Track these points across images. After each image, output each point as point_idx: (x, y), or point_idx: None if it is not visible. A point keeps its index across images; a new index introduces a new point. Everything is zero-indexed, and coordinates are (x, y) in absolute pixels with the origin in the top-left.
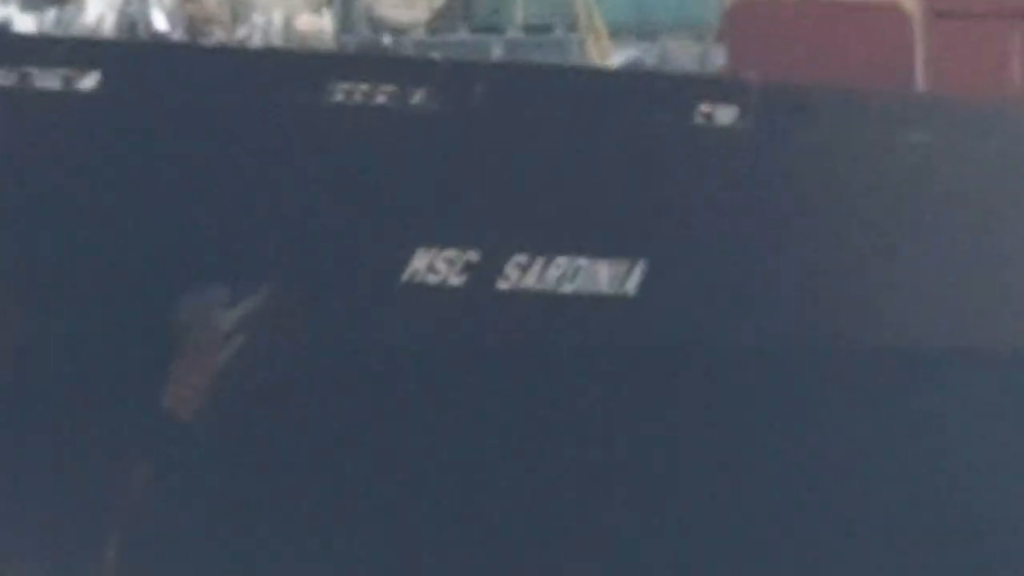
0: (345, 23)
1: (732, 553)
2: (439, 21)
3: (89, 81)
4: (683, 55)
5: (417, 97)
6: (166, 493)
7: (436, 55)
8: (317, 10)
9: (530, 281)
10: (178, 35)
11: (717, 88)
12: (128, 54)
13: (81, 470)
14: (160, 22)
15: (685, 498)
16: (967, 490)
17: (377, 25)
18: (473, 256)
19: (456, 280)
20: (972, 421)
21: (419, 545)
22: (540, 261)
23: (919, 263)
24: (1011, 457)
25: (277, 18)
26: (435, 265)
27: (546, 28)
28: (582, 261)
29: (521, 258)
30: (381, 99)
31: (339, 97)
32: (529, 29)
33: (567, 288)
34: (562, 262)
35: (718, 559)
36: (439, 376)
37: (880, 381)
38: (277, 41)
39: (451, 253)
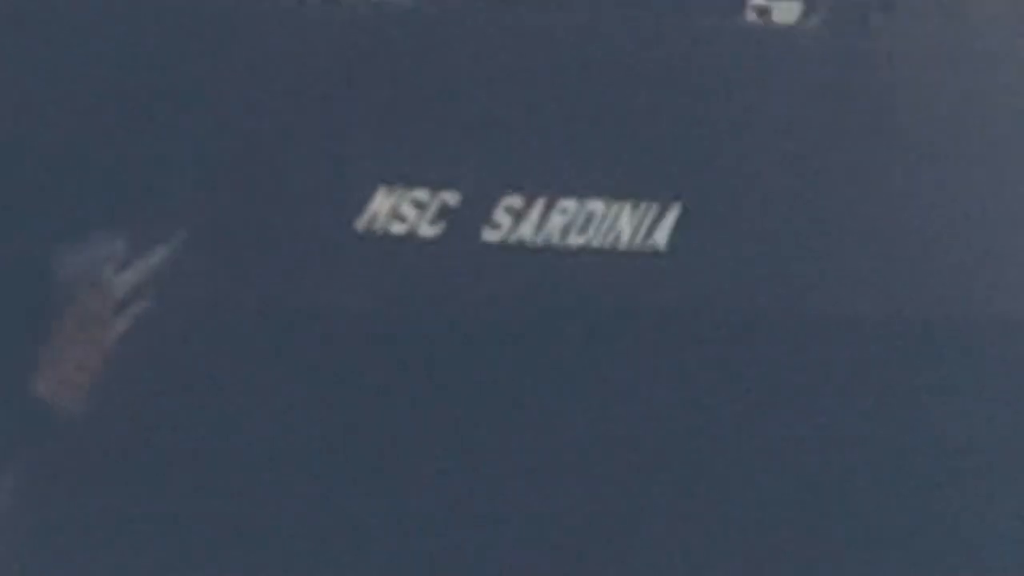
0: None
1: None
2: None
3: None
4: None
5: None
6: (38, 505)
7: None
8: None
9: (527, 231)
10: None
11: None
12: None
13: None
14: None
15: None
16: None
17: None
18: (451, 197)
19: (429, 229)
20: None
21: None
22: (540, 204)
23: None
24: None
25: None
26: (400, 209)
27: None
28: (596, 205)
29: (514, 200)
30: None
31: None
32: None
33: (576, 240)
34: (569, 206)
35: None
36: (404, 354)
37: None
38: None
39: (422, 193)
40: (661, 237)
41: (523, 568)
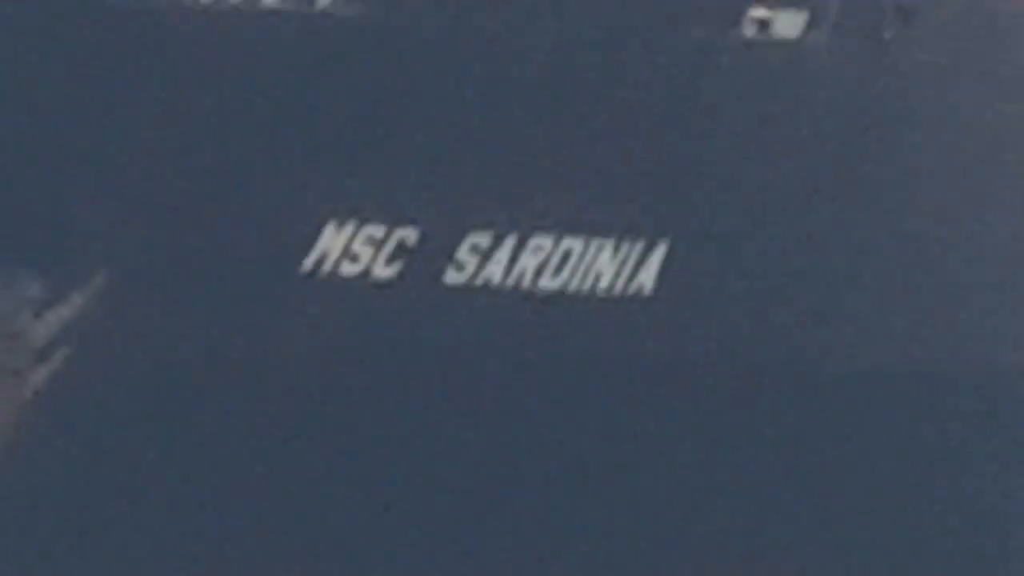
0: None
1: None
2: None
3: None
4: None
5: None
6: None
7: None
8: None
9: (495, 272)
10: None
11: None
12: None
13: None
14: None
15: None
16: None
17: None
18: (408, 235)
19: (384, 270)
20: None
21: None
22: (509, 243)
23: None
24: None
25: None
26: (352, 248)
27: None
28: (573, 243)
29: (480, 238)
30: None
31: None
32: None
33: (551, 284)
34: (542, 244)
35: None
36: (355, 406)
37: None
38: None
39: (376, 229)
40: (647, 278)
41: None
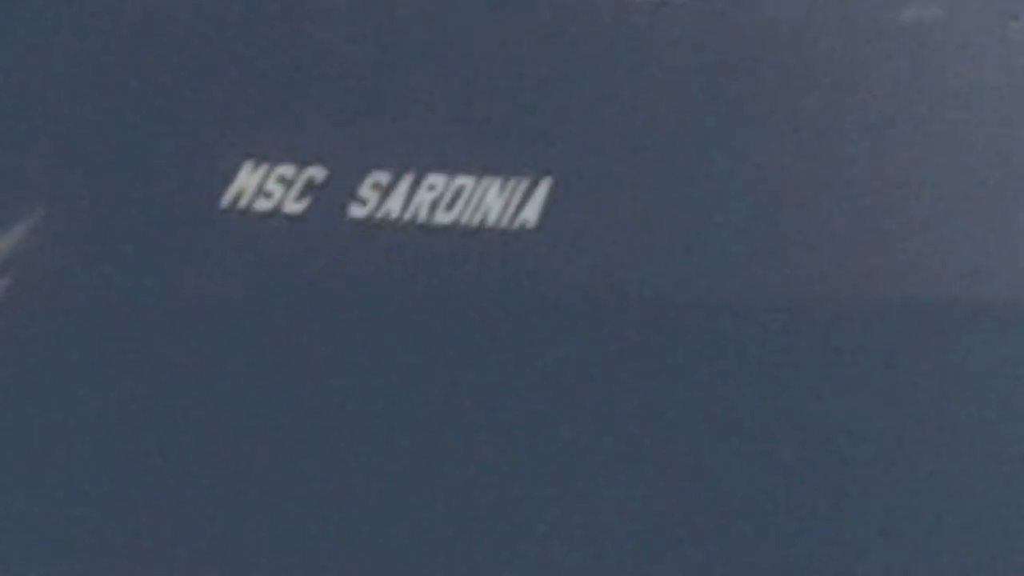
0: None
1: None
2: None
3: None
4: None
5: None
6: None
7: None
8: None
9: (394, 208)
10: None
11: None
12: None
13: None
14: None
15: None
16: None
17: None
18: (316, 173)
19: (295, 205)
20: None
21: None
22: (406, 180)
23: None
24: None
25: None
26: (265, 185)
27: None
28: (464, 180)
29: (380, 176)
30: None
31: None
32: None
33: (442, 219)
34: (437, 181)
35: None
36: (271, 334)
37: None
38: None
39: (287, 169)
40: (532, 213)
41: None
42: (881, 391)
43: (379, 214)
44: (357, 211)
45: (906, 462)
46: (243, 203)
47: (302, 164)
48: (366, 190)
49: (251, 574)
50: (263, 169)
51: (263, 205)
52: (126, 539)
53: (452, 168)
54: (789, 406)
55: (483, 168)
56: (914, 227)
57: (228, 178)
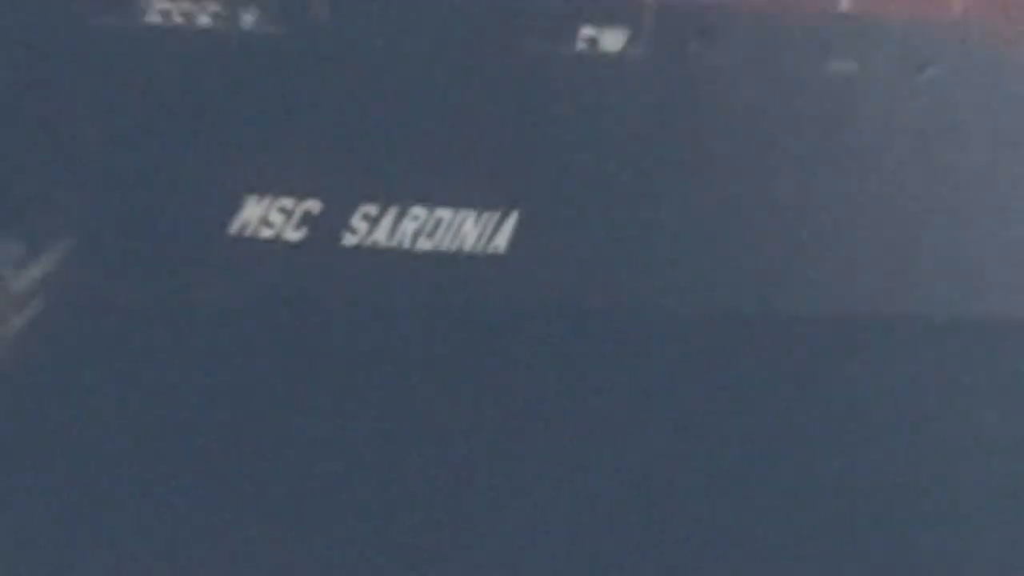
0: None
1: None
2: None
3: None
4: None
5: (248, 15)
6: None
7: None
8: None
9: (381, 236)
10: None
11: (602, 7)
12: None
13: None
14: None
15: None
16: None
17: None
18: (313, 206)
19: (294, 234)
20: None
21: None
22: (392, 212)
23: (846, 215)
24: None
25: None
26: (269, 217)
27: None
28: (444, 212)
29: (370, 208)
30: (203, 19)
31: (154, 18)
32: None
33: (425, 244)
34: (419, 213)
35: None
36: (273, 348)
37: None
38: None
39: (287, 202)
40: (502, 241)
41: None
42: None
43: (368, 242)
44: (349, 239)
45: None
46: (248, 231)
47: (300, 197)
48: (357, 221)
49: None
50: (266, 201)
51: (266, 233)
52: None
53: (433, 202)
54: (740, 409)
55: (460, 202)
56: (832, 249)
57: (235, 209)
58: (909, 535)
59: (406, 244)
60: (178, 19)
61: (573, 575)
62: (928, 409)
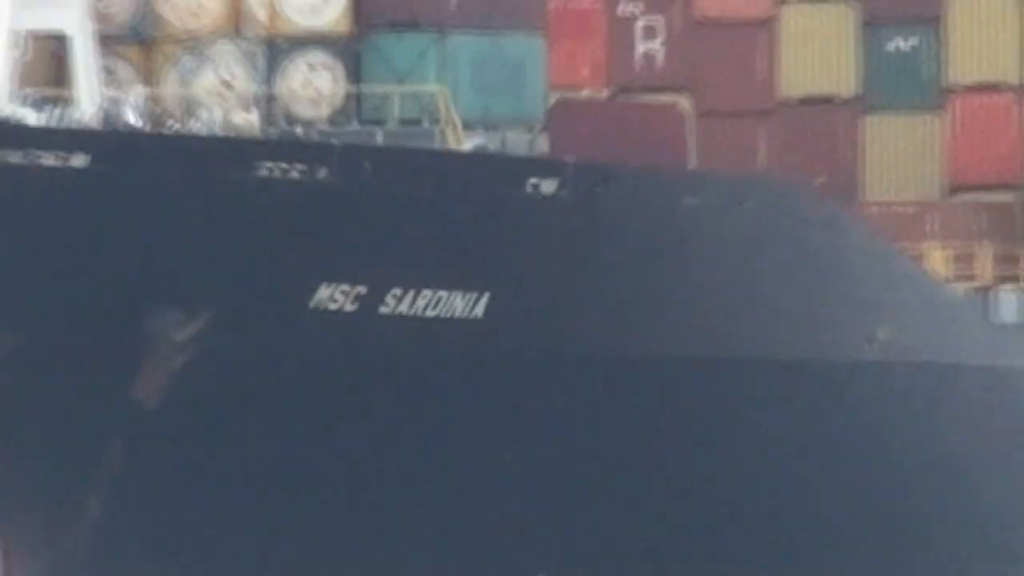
0: (268, 118)
1: None
2: (337, 117)
3: (79, 160)
4: (517, 142)
5: (321, 173)
6: (136, 458)
7: (335, 141)
8: (247, 108)
9: (404, 308)
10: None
11: (542, 165)
12: (109, 140)
13: (77, 443)
14: (131, 116)
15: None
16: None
17: (291, 120)
18: (362, 289)
19: (350, 307)
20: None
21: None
22: (411, 293)
23: (684, 288)
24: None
25: (218, 114)
26: (334, 296)
27: (416, 121)
28: (442, 293)
29: (397, 291)
30: (294, 174)
31: (264, 172)
32: (403, 122)
33: (431, 313)
34: (427, 294)
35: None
36: (338, 380)
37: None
38: (218, 131)
39: (346, 287)
40: (480, 310)
41: None
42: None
43: (395, 312)
44: (384, 310)
45: None
46: (322, 305)
47: (353, 283)
48: (388, 299)
49: None
50: (334, 287)
51: (333, 307)
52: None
53: (437, 286)
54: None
55: (453, 287)
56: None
57: (313, 291)
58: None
59: (419, 312)
60: (277, 174)
61: None
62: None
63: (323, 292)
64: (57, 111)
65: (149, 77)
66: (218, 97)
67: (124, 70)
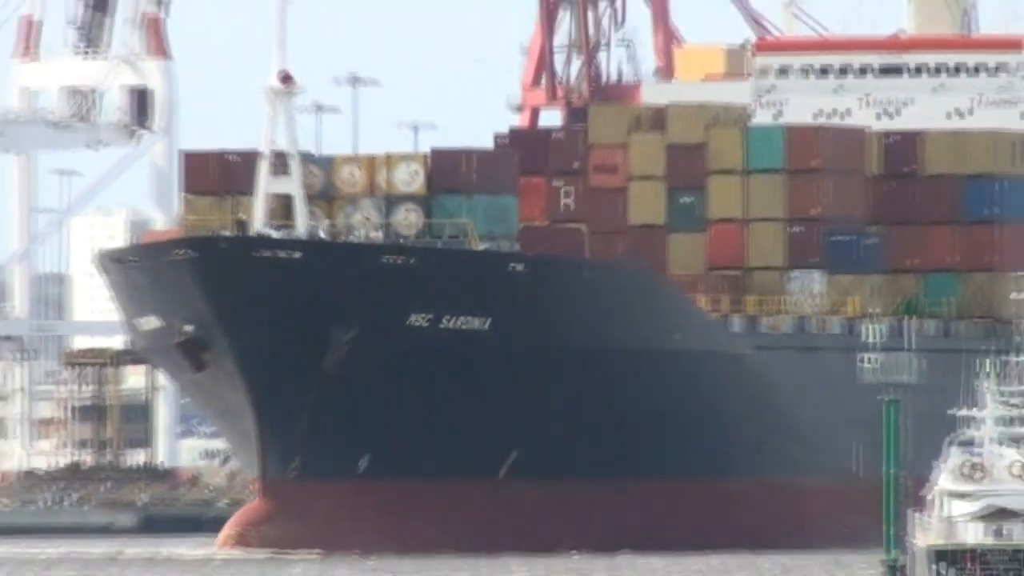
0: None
1: None
2: (419, 235)
3: (296, 255)
4: (505, 247)
5: (412, 261)
6: (324, 396)
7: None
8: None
9: (450, 325)
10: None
11: (514, 256)
12: (310, 245)
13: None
14: (321, 235)
15: None
16: None
17: (398, 235)
18: (430, 315)
19: (424, 324)
20: None
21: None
22: (455, 318)
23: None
24: None
25: (361, 233)
26: (418, 319)
27: (456, 236)
28: (464, 317)
29: (448, 316)
30: (399, 261)
31: (386, 260)
32: (451, 237)
33: (463, 327)
34: (458, 318)
35: None
36: (421, 364)
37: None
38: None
39: (423, 314)
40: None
41: None
42: None
43: (447, 327)
44: (441, 326)
45: None
46: (414, 323)
47: (422, 314)
48: (444, 320)
49: None
50: (423, 314)
51: (418, 324)
52: None
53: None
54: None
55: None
56: None
57: (408, 316)
58: None
59: (456, 327)
60: (395, 262)
61: None
62: None
63: (413, 317)
64: (285, 231)
65: (330, 215)
66: (362, 228)
67: (317, 212)
